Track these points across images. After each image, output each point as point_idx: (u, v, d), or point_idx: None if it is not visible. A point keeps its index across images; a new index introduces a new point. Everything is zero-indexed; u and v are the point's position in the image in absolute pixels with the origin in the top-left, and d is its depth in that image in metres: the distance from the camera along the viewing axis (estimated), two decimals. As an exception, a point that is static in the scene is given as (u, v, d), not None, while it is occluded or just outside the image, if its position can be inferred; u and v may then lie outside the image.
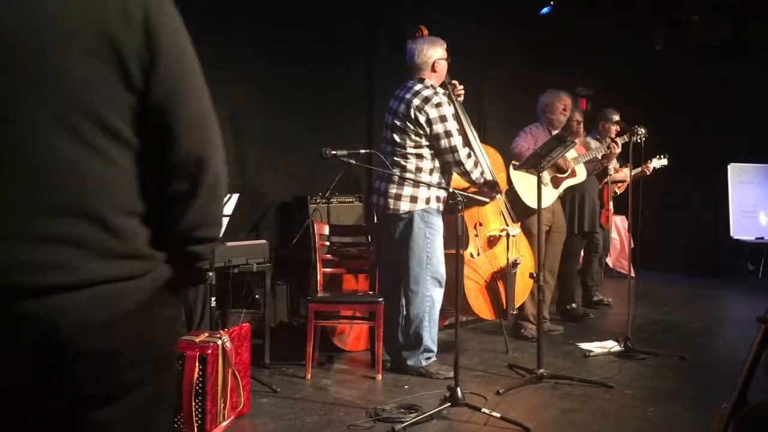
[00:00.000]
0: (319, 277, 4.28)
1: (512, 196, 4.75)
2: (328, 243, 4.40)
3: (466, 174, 4.08)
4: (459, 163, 4.03)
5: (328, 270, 4.37)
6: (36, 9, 1.14)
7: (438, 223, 4.08)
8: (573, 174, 5.13)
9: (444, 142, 3.98)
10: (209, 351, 3.01)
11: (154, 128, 1.21)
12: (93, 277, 1.13)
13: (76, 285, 1.12)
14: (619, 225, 7.16)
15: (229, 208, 3.63)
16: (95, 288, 1.13)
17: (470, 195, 3.74)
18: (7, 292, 1.08)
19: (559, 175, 5.08)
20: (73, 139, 1.14)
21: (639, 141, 4.80)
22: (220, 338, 3.12)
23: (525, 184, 4.82)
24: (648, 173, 5.99)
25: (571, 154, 4.97)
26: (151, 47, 1.20)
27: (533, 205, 4.65)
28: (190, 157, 1.24)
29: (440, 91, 4.10)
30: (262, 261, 4.06)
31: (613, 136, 5.66)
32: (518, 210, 4.71)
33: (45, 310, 1.10)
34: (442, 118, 3.97)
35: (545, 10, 7.38)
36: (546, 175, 4.86)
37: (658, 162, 6.18)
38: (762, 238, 8.11)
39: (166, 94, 1.22)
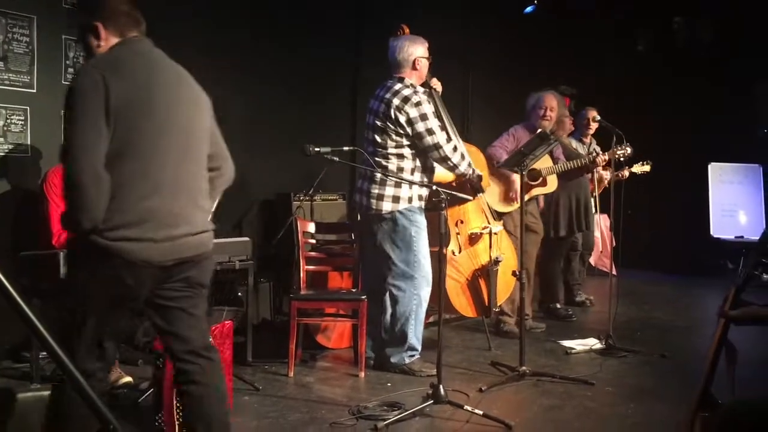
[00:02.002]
0: (302, 275, 4.26)
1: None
2: (311, 240, 4.39)
3: (454, 168, 4.08)
4: (446, 159, 4.03)
5: (311, 267, 4.36)
6: (180, 95, 2.38)
7: (421, 220, 4.08)
8: (544, 183, 5.14)
9: (427, 140, 3.98)
10: (191, 348, 2.96)
11: None
12: (206, 230, 2.41)
13: (202, 232, 2.37)
14: (601, 224, 7.20)
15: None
16: (206, 234, 2.40)
17: (453, 192, 3.72)
18: (191, 234, 2.31)
19: (531, 183, 5.09)
20: (197, 167, 2.41)
21: (621, 158, 4.81)
22: (201, 336, 3.07)
23: (490, 189, 4.80)
24: (624, 178, 6.00)
25: (544, 162, 4.96)
26: None
27: (498, 207, 4.75)
28: None
29: (420, 89, 4.09)
30: (245, 258, 4.03)
31: (590, 132, 5.73)
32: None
33: (197, 241, 2.35)
34: (423, 117, 3.96)
35: (529, 9, 7.39)
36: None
37: (641, 168, 6.21)
38: (741, 236, 8.19)
39: None
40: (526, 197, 4.99)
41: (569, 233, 5.66)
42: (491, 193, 4.81)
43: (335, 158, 3.57)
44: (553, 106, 5.09)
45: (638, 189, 5.74)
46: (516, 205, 4.98)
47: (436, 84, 4.40)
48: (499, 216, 4.73)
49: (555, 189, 5.22)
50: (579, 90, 7.94)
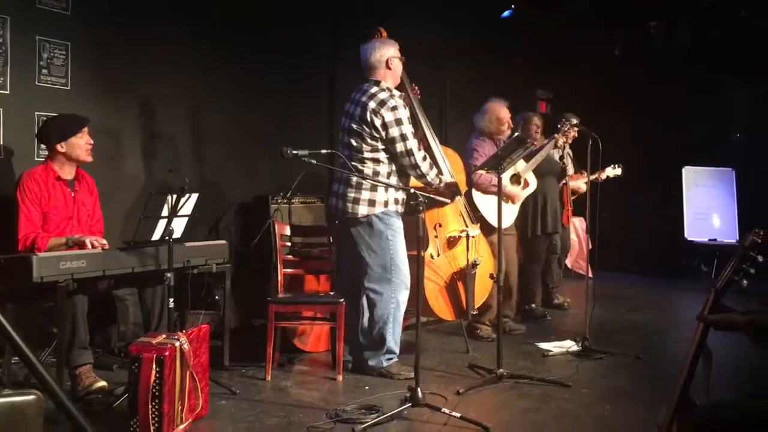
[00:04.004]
0: (279, 278, 4.26)
1: (477, 216, 4.79)
2: (289, 243, 4.38)
3: (422, 176, 4.10)
4: (415, 167, 4.05)
5: (288, 271, 4.35)
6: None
7: (398, 224, 4.08)
8: (526, 184, 5.19)
9: (399, 146, 3.99)
10: (166, 353, 2.96)
11: None
12: None
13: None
14: (577, 226, 7.27)
15: (188, 208, 3.57)
16: None
17: (430, 196, 3.75)
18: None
19: (516, 191, 5.16)
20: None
21: (591, 139, 4.79)
22: (178, 340, 3.07)
23: (488, 205, 4.86)
24: (601, 180, 6.11)
25: (520, 165, 5.00)
26: None
27: (494, 222, 4.66)
28: None
29: (396, 93, 4.10)
30: (222, 261, 4.01)
31: (570, 139, 5.73)
32: (483, 227, 4.76)
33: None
34: (398, 122, 3.97)
35: (506, 13, 7.45)
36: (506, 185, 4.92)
37: (612, 171, 6.29)
38: (714, 239, 8.31)
39: None
40: (519, 203, 5.17)
41: (541, 232, 5.71)
42: (491, 205, 4.81)
43: (313, 161, 3.56)
44: (507, 114, 5.09)
45: (613, 192, 5.80)
46: (524, 194, 5.13)
47: (415, 89, 4.43)
48: (477, 219, 4.74)
49: (536, 187, 5.28)
50: (555, 94, 7.99)
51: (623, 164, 6.32)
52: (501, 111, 5.08)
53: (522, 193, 5.18)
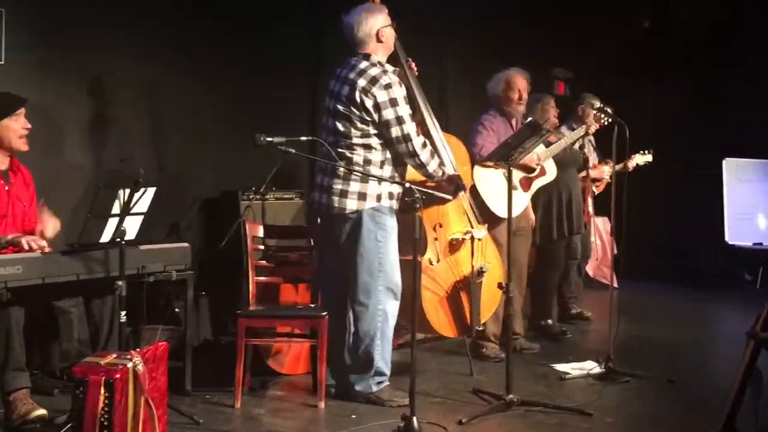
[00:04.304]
0: (251, 287, 4.25)
1: (478, 203, 4.77)
2: (262, 247, 4.38)
3: (422, 166, 4.10)
4: (413, 155, 4.04)
5: (262, 279, 4.35)
6: None
7: (391, 223, 4.08)
8: (543, 172, 5.19)
9: (395, 130, 3.98)
10: (117, 375, 2.94)
11: None
12: None
13: None
14: (600, 228, 7.27)
15: (143, 205, 3.56)
16: None
17: (429, 191, 3.75)
18: None
19: (529, 175, 5.13)
20: None
21: (618, 125, 4.79)
22: (130, 360, 3.05)
23: (491, 188, 4.84)
24: (629, 170, 6.13)
25: (539, 149, 5.00)
26: None
27: (501, 213, 4.67)
28: None
29: (390, 68, 4.10)
30: (183, 268, 4.02)
31: (592, 126, 5.76)
32: (484, 217, 4.74)
33: None
34: (393, 102, 3.97)
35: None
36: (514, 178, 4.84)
37: (642, 158, 6.34)
38: (760, 243, 8.29)
39: None
40: (532, 191, 5.17)
41: (560, 236, 5.73)
42: (496, 195, 4.78)
43: (291, 149, 3.56)
44: (525, 86, 5.11)
45: (642, 188, 5.80)
46: (538, 183, 5.12)
47: (412, 65, 4.43)
48: (486, 218, 4.75)
49: (555, 176, 5.30)
50: (574, 73, 7.97)
51: (653, 155, 6.37)
52: (516, 78, 5.09)
53: (537, 182, 5.18)
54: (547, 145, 5.20)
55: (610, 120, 5.30)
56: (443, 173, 4.20)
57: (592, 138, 6.18)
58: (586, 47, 8.11)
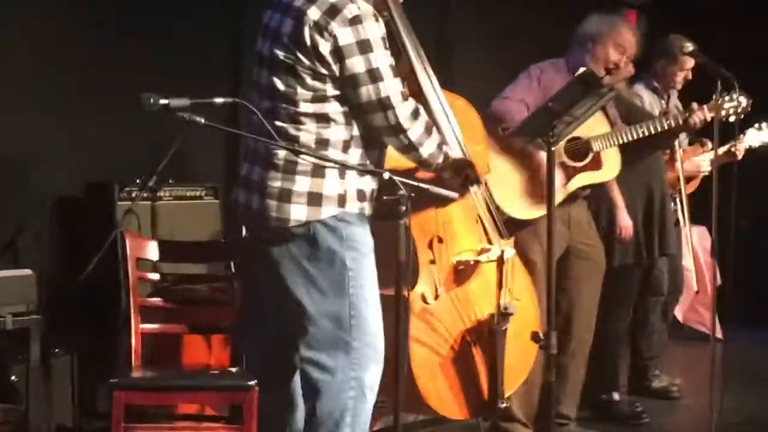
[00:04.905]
0: (133, 341, 4.12)
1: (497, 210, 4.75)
2: (153, 276, 4.31)
3: (411, 148, 3.91)
4: (397, 129, 3.84)
5: (151, 327, 4.23)
6: None
7: (364, 238, 3.90)
8: (597, 164, 5.11)
9: (367, 91, 3.79)
10: None
11: None
12: None
13: None
14: (696, 246, 7.04)
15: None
16: None
17: (424, 186, 3.62)
18: None
19: (572, 163, 5.04)
20: None
21: (736, 115, 4.80)
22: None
23: (504, 174, 4.81)
24: (739, 157, 6.01)
25: (600, 126, 4.95)
26: None
27: (517, 213, 4.70)
28: None
29: None
30: (24, 310, 3.95)
31: (678, 82, 5.73)
32: (512, 227, 4.72)
33: None
34: (364, 45, 3.77)
35: None
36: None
37: (757, 136, 6.17)
38: None
39: None
40: (568, 190, 5.07)
41: (638, 259, 5.61)
42: (505, 183, 4.78)
43: (198, 119, 3.36)
44: (629, 46, 5.08)
45: (759, 182, 5.49)
46: (584, 179, 5.02)
47: None
48: (515, 228, 4.73)
49: (615, 175, 5.23)
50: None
51: None
52: (630, 32, 5.07)
53: (583, 176, 5.06)
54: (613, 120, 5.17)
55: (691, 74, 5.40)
56: (445, 158, 4.03)
57: (678, 103, 6.06)
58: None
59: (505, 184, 4.80)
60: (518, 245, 4.66)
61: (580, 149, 5.04)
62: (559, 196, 5.00)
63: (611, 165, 5.17)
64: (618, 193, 5.41)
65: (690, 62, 5.72)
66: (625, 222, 5.43)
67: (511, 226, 4.67)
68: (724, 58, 4.90)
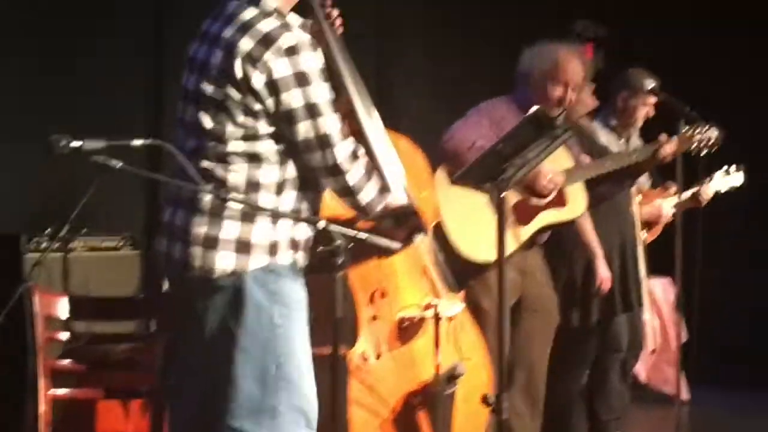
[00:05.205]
0: (41, 408, 4.10)
1: (442, 242, 4.83)
2: (64, 336, 4.35)
3: (350, 193, 3.95)
4: (335, 171, 3.89)
5: (63, 392, 4.25)
6: None
7: (296, 293, 3.92)
8: (562, 201, 5.22)
9: (304, 128, 3.83)
10: None
11: None
12: None
13: None
14: (658, 297, 7.18)
15: None
16: None
17: (362, 235, 3.65)
18: None
19: (536, 200, 5.15)
20: None
21: (708, 149, 5.01)
22: None
23: (460, 211, 4.92)
24: (704, 202, 6.21)
25: (562, 159, 5.09)
26: None
27: (476, 255, 4.82)
28: None
29: (296, 21, 4.02)
30: None
31: (639, 118, 5.91)
32: (461, 276, 4.80)
33: None
34: (300, 78, 3.82)
35: None
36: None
37: (725, 180, 6.37)
38: None
39: None
40: (532, 229, 5.18)
41: (607, 316, 5.75)
42: (465, 222, 4.91)
43: (114, 163, 3.42)
44: (575, 76, 5.27)
45: (727, 226, 5.67)
46: (547, 217, 5.17)
47: (334, 19, 4.40)
48: (466, 277, 4.83)
49: (581, 213, 5.37)
50: (610, 32, 7.98)
51: (745, 165, 6.43)
52: (570, 62, 5.26)
53: (546, 214, 5.22)
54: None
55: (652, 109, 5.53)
56: (387, 204, 4.07)
57: (639, 142, 6.18)
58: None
59: (464, 222, 4.91)
60: (470, 296, 4.77)
61: (539, 187, 5.07)
62: (521, 237, 5.16)
63: (577, 202, 5.29)
64: (595, 240, 5.47)
65: (652, 98, 5.87)
66: (604, 274, 5.49)
67: (461, 277, 4.75)
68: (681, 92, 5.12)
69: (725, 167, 6.32)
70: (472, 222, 4.90)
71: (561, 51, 5.37)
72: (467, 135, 4.95)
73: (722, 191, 6.32)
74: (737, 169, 6.37)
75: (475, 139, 4.89)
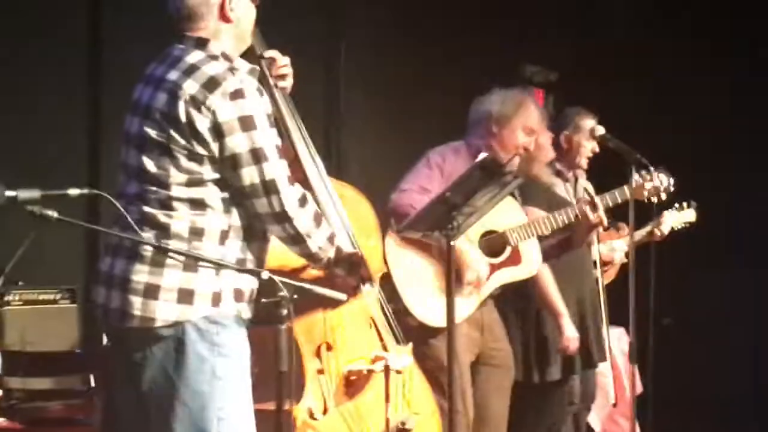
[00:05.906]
0: None
1: (390, 293, 4.80)
2: None
3: (298, 240, 3.94)
4: (282, 217, 3.87)
5: None
6: None
7: (239, 345, 3.89)
8: (516, 259, 5.23)
9: (249, 173, 3.82)
10: None
11: None
12: None
13: None
14: (613, 349, 7.12)
15: None
16: None
17: (307, 286, 3.64)
18: None
19: (489, 260, 5.16)
20: None
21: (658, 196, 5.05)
22: None
23: (413, 274, 4.93)
24: (659, 237, 6.23)
25: (515, 215, 5.12)
26: None
27: (432, 320, 4.79)
28: None
29: (243, 67, 3.99)
30: None
31: (584, 160, 5.93)
32: (405, 324, 4.77)
33: None
34: (246, 122, 3.80)
35: None
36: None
37: (678, 217, 6.41)
38: None
39: None
40: (487, 290, 5.14)
41: (567, 373, 5.73)
42: (417, 283, 4.91)
43: (51, 213, 3.40)
44: (532, 121, 5.26)
45: (685, 271, 5.64)
46: (503, 276, 5.14)
47: (282, 71, 4.42)
48: (421, 330, 4.86)
49: (536, 271, 5.36)
50: (561, 75, 8.04)
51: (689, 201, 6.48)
52: (527, 108, 5.25)
53: (501, 273, 5.21)
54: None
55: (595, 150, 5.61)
56: (337, 252, 4.07)
57: (589, 186, 6.22)
58: (583, 35, 8.41)
59: (417, 285, 4.90)
60: (433, 352, 4.78)
61: (496, 243, 5.16)
62: (476, 298, 5.13)
63: (531, 259, 5.28)
64: (558, 298, 5.43)
65: (593, 139, 5.81)
66: (571, 333, 5.43)
67: (422, 333, 4.80)
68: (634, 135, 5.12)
69: (677, 204, 6.35)
70: (425, 285, 4.89)
71: (518, 96, 5.36)
72: (418, 185, 4.92)
73: (676, 228, 6.35)
74: (689, 206, 6.40)
75: (426, 187, 4.87)
